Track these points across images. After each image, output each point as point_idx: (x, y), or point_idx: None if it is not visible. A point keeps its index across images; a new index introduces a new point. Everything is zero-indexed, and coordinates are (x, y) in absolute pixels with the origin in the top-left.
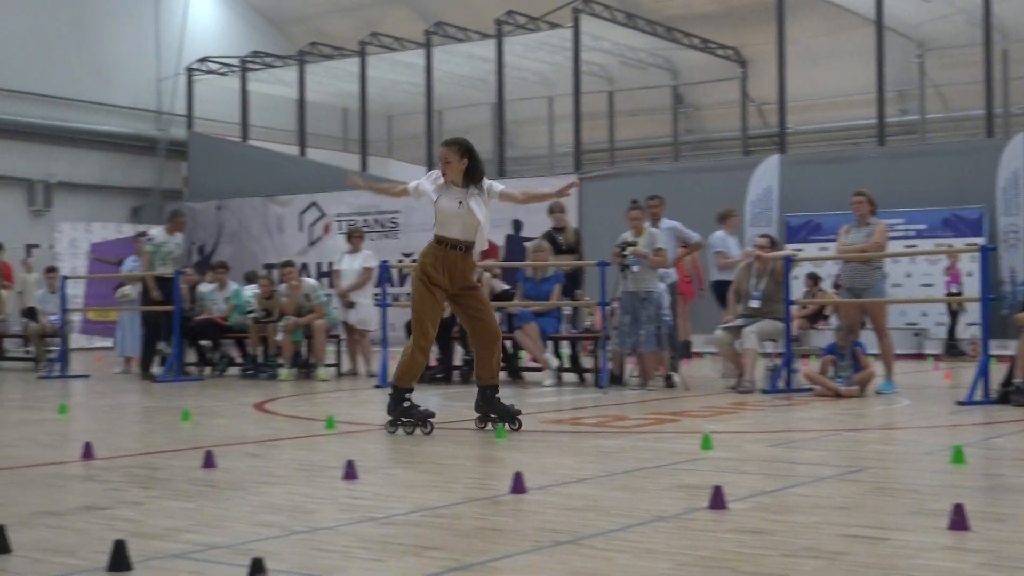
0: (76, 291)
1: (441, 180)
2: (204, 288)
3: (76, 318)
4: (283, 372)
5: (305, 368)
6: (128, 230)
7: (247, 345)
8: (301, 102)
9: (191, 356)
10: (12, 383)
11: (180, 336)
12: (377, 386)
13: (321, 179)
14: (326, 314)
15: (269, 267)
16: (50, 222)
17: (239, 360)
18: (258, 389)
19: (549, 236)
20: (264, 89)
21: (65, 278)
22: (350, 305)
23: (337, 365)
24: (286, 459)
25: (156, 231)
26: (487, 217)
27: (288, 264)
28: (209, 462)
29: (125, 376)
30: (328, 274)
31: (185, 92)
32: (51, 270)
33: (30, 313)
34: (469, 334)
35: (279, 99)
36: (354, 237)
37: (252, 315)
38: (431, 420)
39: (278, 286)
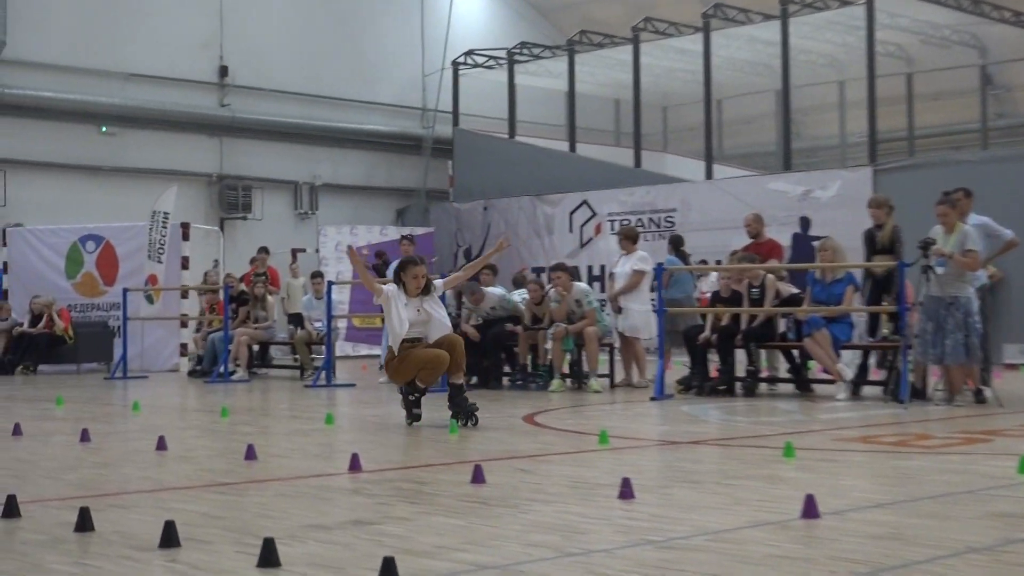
0: (341, 296)
1: (403, 298)
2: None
3: (341, 325)
4: (554, 383)
5: (577, 378)
6: (393, 233)
7: (516, 354)
8: (571, 94)
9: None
10: (279, 391)
11: None
12: (652, 399)
13: (592, 176)
14: (598, 320)
15: (538, 271)
16: (315, 225)
17: (507, 369)
18: (528, 400)
19: (868, 234)
20: (531, 82)
21: (331, 283)
22: (619, 310)
23: (610, 375)
24: (557, 475)
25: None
26: (441, 311)
27: (559, 267)
28: (478, 477)
29: (390, 386)
30: (600, 277)
31: (451, 87)
32: (317, 275)
33: (296, 319)
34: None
35: (547, 92)
36: (626, 238)
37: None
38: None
39: (548, 291)
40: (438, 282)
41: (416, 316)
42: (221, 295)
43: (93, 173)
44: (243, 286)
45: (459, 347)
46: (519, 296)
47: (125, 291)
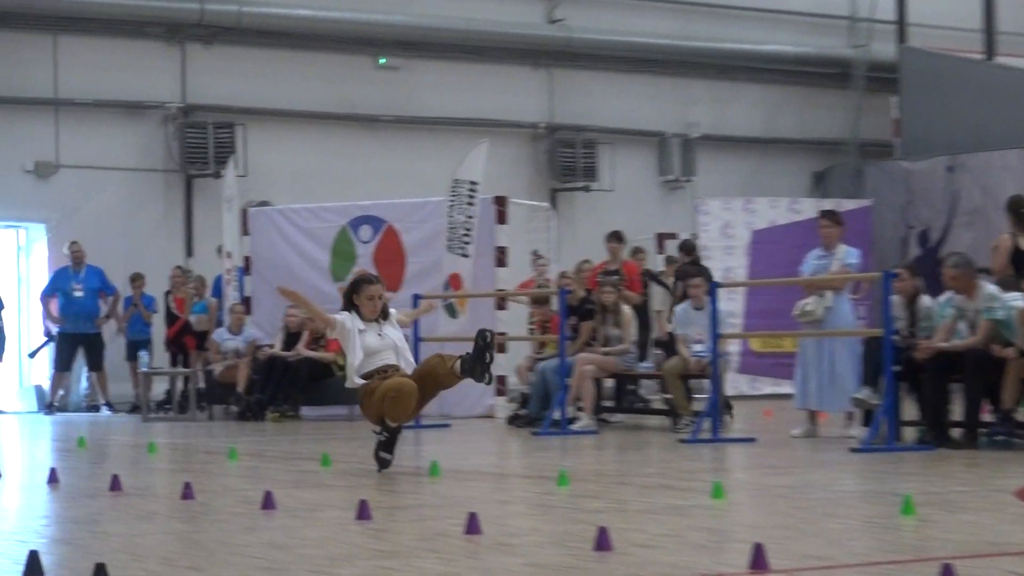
0: (732, 306)
1: (360, 323)
2: (927, 301)
3: (733, 348)
4: None
5: None
6: (808, 208)
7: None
8: None
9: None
10: (641, 448)
11: (893, 379)
12: None
13: None
14: None
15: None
16: (689, 198)
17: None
18: (1016, 463)
19: None
20: None
21: (715, 285)
22: None
23: None
24: None
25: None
26: (402, 338)
27: None
28: None
29: (809, 441)
30: None
31: None
32: (689, 273)
33: (666, 342)
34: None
35: None
36: None
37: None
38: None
39: None
40: (394, 310)
41: (380, 342)
42: (554, 304)
43: (368, 126)
44: (585, 291)
45: (441, 360)
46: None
47: (416, 298)
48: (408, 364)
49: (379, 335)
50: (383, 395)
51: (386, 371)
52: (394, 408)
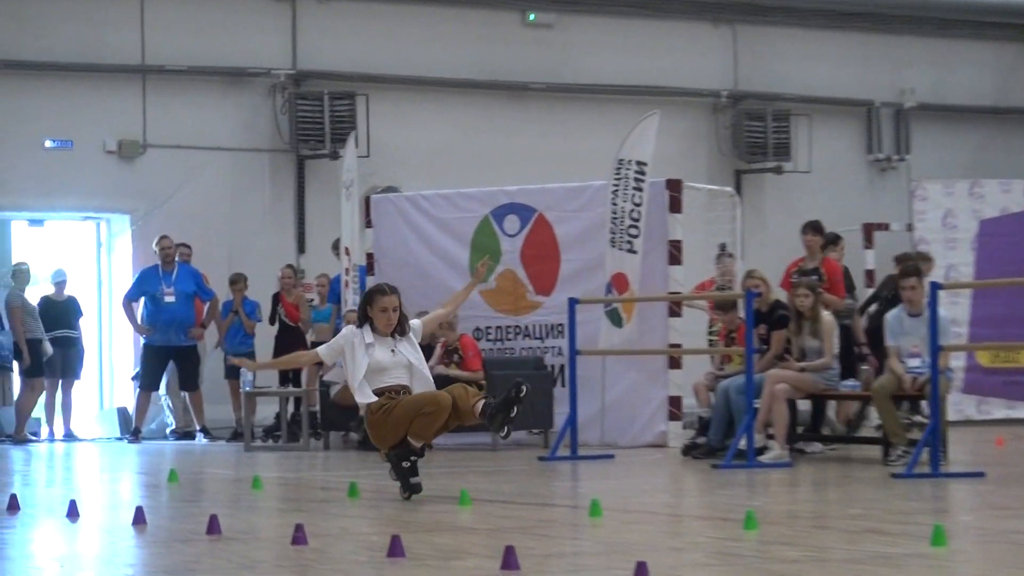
0: (957, 312)
1: (369, 336)
2: None
3: (956, 363)
4: None
5: None
6: None
7: None
8: None
9: None
10: (844, 484)
11: None
12: None
13: None
14: None
15: None
16: (904, 181)
17: None
18: None
19: None
20: None
21: (936, 286)
22: None
23: None
24: None
25: None
26: (420, 358)
27: None
28: None
29: None
30: None
31: None
32: (914, 271)
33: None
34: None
35: None
36: None
37: None
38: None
39: None
40: (416, 322)
41: (391, 359)
42: (740, 310)
43: (514, 96)
44: (777, 295)
45: (464, 393)
46: None
47: (572, 303)
48: (425, 384)
49: (392, 351)
50: (414, 411)
51: (397, 391)
52: (427, 425)
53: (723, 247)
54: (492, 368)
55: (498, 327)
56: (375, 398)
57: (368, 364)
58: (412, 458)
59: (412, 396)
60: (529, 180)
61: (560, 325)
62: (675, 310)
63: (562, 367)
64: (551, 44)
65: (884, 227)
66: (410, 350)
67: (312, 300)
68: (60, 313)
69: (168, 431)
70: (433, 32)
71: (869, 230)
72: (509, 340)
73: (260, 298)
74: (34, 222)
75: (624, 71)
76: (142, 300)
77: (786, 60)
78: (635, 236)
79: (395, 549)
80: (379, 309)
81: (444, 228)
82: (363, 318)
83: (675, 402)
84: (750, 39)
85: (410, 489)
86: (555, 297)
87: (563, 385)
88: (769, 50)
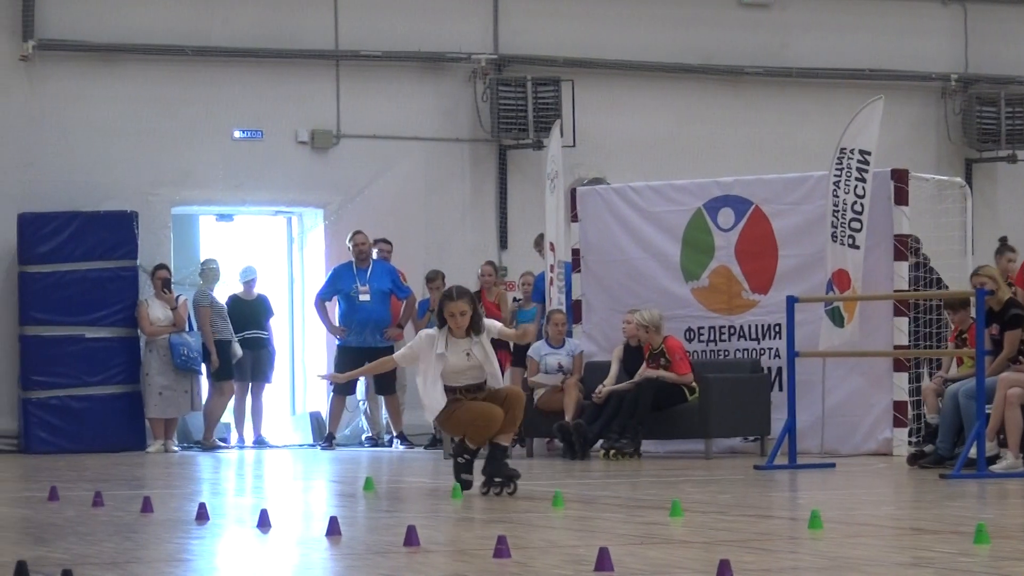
0: None
1: (442, 344)
2: None
3: None
4: None
5: None
6: None
7: None
8: None
9: None
10: None
11: None
12: None
13: None
14: None
15: None
16: None
17: None
18: None
19: None
20: None
21: None
22: None
23: None
24: None
25: None
26: (491, 358)
27: None
28: None
29: None
30: None
31: None
32: None
33: None
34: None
35: None
36: None
37: None
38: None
39: None
40: (493, 323)
41: (465, 362)
42: (971, 309)
43: (729, 82)
44: (1014, 290)
45: (518, 404)
46: None
47: (791, 301)
48: (495, 381)
49: (467, 354)
50: (471, 420)
51: (468, 390)
52: (478, 434)
53: (1004, 240)
54: (705, 371)
55: (711, 327)
56: (440, 404)
57: (441, 371)
58: (466, 456)
59: (471, 406)
60: (745, 171)
61: (777, 325)
62: (901, 310)
63: (780, 370)
64: (768, 25)
65: None
66: (483, 350)
67: (517, 299)
68: (250, 313)
69: (363, 437)
70: (642, 13)
71: None
72: (723, 341)
73: None
74: (222, 217)
75: (846, 53)
76: (336, 299)
77: (1021, 40)
78: (857, 230)
79: (603, 562)
80: (447, 314)
81: (654, 222)
82: (441, 321)
83: (900, 407)
84: (982, 18)
85: (462, 484)
86: (772, 295)
87: (781, 389)
88: (1002, 29)
